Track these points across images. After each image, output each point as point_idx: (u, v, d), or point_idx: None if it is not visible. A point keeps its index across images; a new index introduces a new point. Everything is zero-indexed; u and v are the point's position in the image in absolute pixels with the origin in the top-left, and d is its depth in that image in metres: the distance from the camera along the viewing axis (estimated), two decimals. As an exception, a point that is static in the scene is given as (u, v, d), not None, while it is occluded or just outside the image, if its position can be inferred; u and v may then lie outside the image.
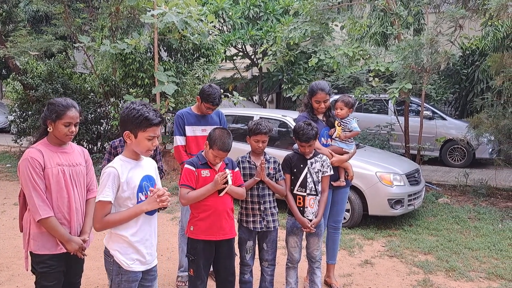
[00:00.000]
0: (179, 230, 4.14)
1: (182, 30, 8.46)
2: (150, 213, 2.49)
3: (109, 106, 10.47)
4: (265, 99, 15.16)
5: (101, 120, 11.33)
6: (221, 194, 2.99)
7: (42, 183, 2.63)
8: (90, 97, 10.96)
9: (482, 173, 9.07)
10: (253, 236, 3.45)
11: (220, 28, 13.84)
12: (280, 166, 3.56)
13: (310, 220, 3.51)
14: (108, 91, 10.35)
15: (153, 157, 3.77)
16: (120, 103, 10.06)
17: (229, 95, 9.71)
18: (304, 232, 3.62)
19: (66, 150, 2.81)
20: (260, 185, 3.42)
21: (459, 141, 8.55)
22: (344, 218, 5.92)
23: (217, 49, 10.42)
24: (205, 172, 3.00)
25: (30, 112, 10.86)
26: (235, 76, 15.50)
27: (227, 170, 2.97)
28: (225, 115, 7.18)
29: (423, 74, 7.16)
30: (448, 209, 6.80)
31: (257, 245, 3.52)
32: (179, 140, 3.91)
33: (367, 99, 8.85)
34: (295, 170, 3.58)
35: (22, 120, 11.22)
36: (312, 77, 11.27)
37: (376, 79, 7.42)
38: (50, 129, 2.73)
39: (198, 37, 9.20)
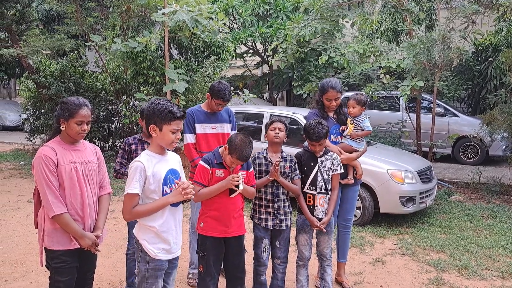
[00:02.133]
0: (190, 227, 4.17)
1: (193, 28, 8.48)
2: (175, 205, 2.61)
3: (120, 104, 10.55)
4: (275, 97, 15.15)
5: (113, 118, 11.44)
6: (232, 196, 3.00)
7: (56, 180, 2.67)
8: (101, 95, 11.06)
9: (495, 170, 8.97)
10: (268, 234, 3.45)
11: (231, 26, 13.85)
12: (296, 165, 3.55)
13: (320, 219, 3.50)
14: (119, 89, 10.42)
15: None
16: (131, 101, 10.12)
17: (239, 93, 9.72)
18: (314, 230, 3.62)
19: (79, 147, 2.86)
20: (275, 184, 3.41)
21: (472, 138, 8.45)
22: (355, 216, 5.90)
23: (227, 47, 10.43)
24: (219, 172, 3.01)
25: (43, 111, 10.99)
26: (246, 74, 15.50)
27: (240, 174, 2.97)
28: (235, 112, 7.29)
29: (435, 70, 7.08)
30: (461, 207, 6.74)
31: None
32: (189, 138, 3.93)
33: (378, 96, 8.79)
34: (305, 168, 3.57)
35: (35, 118, 11.36)
36: (322, 74, 11.22)
37: (387, 76, 7.35)
38: (63, 127, 2.79)
39: (208, 35, 9.21)
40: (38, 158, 2.67)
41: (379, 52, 7.67)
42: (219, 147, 3.11)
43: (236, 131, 4.21)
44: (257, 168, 3.40)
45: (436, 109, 9.86)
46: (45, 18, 17.47)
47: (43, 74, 10.57)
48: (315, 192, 3.53)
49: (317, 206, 3.53)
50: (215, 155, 3.07)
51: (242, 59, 14.72)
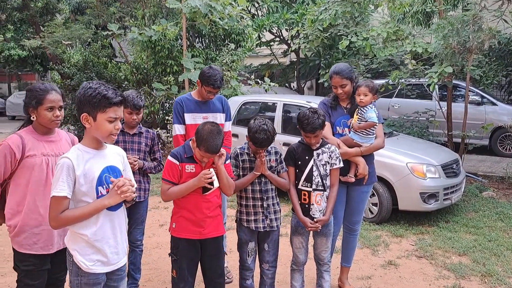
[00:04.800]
0: None
1: (209, 15, 8.20)
2: (113, 208, 2.22)
3: (142, 94, 10.45)
4: (302, 86, 14.66)
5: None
6: (206, 193, 2.69)
7: (7, 172, 2.52)
8: (124, 85, 11.01)
9: (536, 163, 8.19)
10: (254, 237, 3.14)
11: (255, 12, 13.46)
12: (282, 157, 3.20)
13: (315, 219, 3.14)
14: (140, 79, 10.33)
15: (151, 148, 3.57)
16: (152, 91, 10.01)
17: (259, 82, 9.38)
18: (311, 232, 3.27)
19: (53, 138, 2.66)
20: (262, 180, 3.07)
21: (509, 128, 7.74)
22: (372, 213, 5.49)
23: (248, 34, 10.10)
24: (190, 167, 2.71)
25: (67, 101, 11.09)
26: (272, 63, 15.09)
27: (211, 170, 2.66)
28: (246, 101, 7.01)
29: (465, 55, 6.45)
30: (493, 204, 6.15)
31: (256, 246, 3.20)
32: (177, 129, 3.64)
33: (406, 84, 8.20)
34: (299, 162, 3.21)
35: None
36: (350, 61, 10.67)
37: (413, 61, 6.78)
38: (33, 117, 2.59)
39: (227, 22, 8.91)
40: (4, 146, 2.50)
41: (405, 35, 7.08)
42: (190, 140, 2.80)
43: (230, 122, 3.90)
44: (240, 165, 3.07)
45: (472, 97, 9.17)
46: (76, 9, 17.70)
47: (67, 64, 10.65)
48: (310, 189, 3.17)
49: (313, 204, 3.17)
50: (185, 148, 2.77)
51: (268, 47, 14.30)
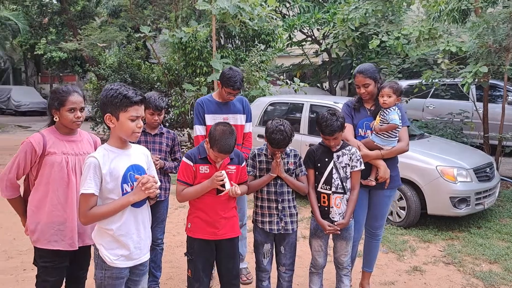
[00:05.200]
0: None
1: (239, 15, 8.23)
2: (137, 205, 2.32)
3: (173, 95, 10.63)
4: (334, 86, 14.48)
5: (169, 109, 11.60)
6: (220, 195, 2.70)
7: (27, 168, 2.65)
8: (156, 86, 11.23)
9: None
10: (270, 239, 3.12)
11: (287, 13, 13.41)
12: (301, 160, 3.17)
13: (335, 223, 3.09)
14: (171, 80, 10.49)
15: (172, 148, 3.62)
16: (183, 92, 10.15)
17: (288, 82, 9.33)
18: (331, 235, 3.21)
19: (74, 138, 2.76)
20: (278, 181, 3.05)
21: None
22: (399, 217, 5.35)
23: (278, 34, 10.06)
24: (204, 168, 2.72)
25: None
26: (304, 63, 14.98)
27: (223, 172, 2.66)
28: (273, 102, 6.98)
29: (502, 53, 6.18)
30: (530, 210, 5.87)
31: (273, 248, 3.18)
32: (198, 130, 3.67)
33: (440, 84, 7.95)
34: (318, 164, 3.17)
35: (96, 109, 11.86)
36: (383, 61, 10.44)
37: (446, 60, 6.55)
38: (56, 118, 2.70)
39: (257, 23, 8.91)
40: (26, 143, 2.63)
41: (438, 34, 6.85)
42: (204, 141, 2.82)
43: (251, 123, 3.90)
44: (257, 166, 3.06)
45: (511, 97, 8.77)
46: (113, 12, 18.22)
47: (102, 66, 10.98)
48: (329, 192, 3.12)
49: (332, 207, 3.12)
50: (199, 149, 2.78)
51: (300, 47, 14.20)
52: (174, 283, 3.94)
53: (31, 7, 12.61)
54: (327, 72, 13.92)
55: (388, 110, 3.34)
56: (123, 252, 2.28)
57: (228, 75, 3.53)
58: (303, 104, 6.38)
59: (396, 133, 3.34)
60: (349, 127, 3.40)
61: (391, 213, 5.44)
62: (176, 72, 10.40)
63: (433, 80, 7.49)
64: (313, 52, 15.18)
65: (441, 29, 7.06)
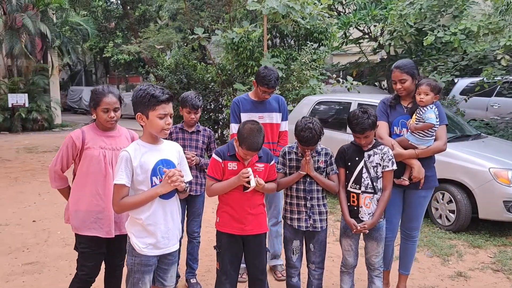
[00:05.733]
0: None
1: (289, 15, 8.25)
2: (166, 197, 2.46)
3: (225, 95, 10.86)
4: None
5: (223, 109, 11.86)
6: (246, 191, 2.77)
7: (70, 160, 2.89)
8: (210, 86, 11.51)
9: None
10: (299, 236, 3.14)
11: (342, 10, 13.20)
12: (332, 159, 3.15)
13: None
14: (224, 80, 10.72)
15: (208, 145, 3.74)
16: (235, 92, 10.33)
17: (341, 80, 9.20)
18: (361, 235, 3.17)
19: (112, 134, 2.95)
20: (308, 179, 3.06)
21: None
22: (448, 220, 5.12)
23: (331, 33, 9.94)
24: (232, 165, 2.80)
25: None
26: (360, 61, 14.66)
27: (249, 170, 2.72)
28: (320, 101, 6.93)
29: None
30: None
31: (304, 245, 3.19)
32: (234, 128, 3.75)
33: (503, 81, 7.48)
34: (349, 163, 3.13)
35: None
36: (443, 57, 9.95)
37: (507, 56, 6.15)
38: (94, 116, 2.90)
39: (309, 22, 8.88)
40: (68, 138, 2.88)
41: (499, 28, 6.44)
42: (234, 139, 2.89)
43: (287, 121, 3.92)
44: (287, 164, 3.09)
45: None
46: (173, 15, 18.91)
47: (160, 67, 11.46)
48: (359, 191, 3.08)
49: (361, 207, 3.08)
50: (228, 146, 2.86)
51: (357, 45, 13.91)
52: (212, 276, 4.03)
53: (96, 13, 13.46)
54: (385, 70, 13.51)
55: (425, 108, 3.23)
56: (151, 241, 2.43)
57: (262, 73, 3.59)
58: (350, 102, 6.28)
59: (432, 132, 3.22)
60: (383, 125, 3.33)
61: (440, 216, 5.22)
62: (229, 72, 10.62)
63: (495, 78, 7.07)
64: (371, 50, 14.80)
65: (503, 24, 6.62)
